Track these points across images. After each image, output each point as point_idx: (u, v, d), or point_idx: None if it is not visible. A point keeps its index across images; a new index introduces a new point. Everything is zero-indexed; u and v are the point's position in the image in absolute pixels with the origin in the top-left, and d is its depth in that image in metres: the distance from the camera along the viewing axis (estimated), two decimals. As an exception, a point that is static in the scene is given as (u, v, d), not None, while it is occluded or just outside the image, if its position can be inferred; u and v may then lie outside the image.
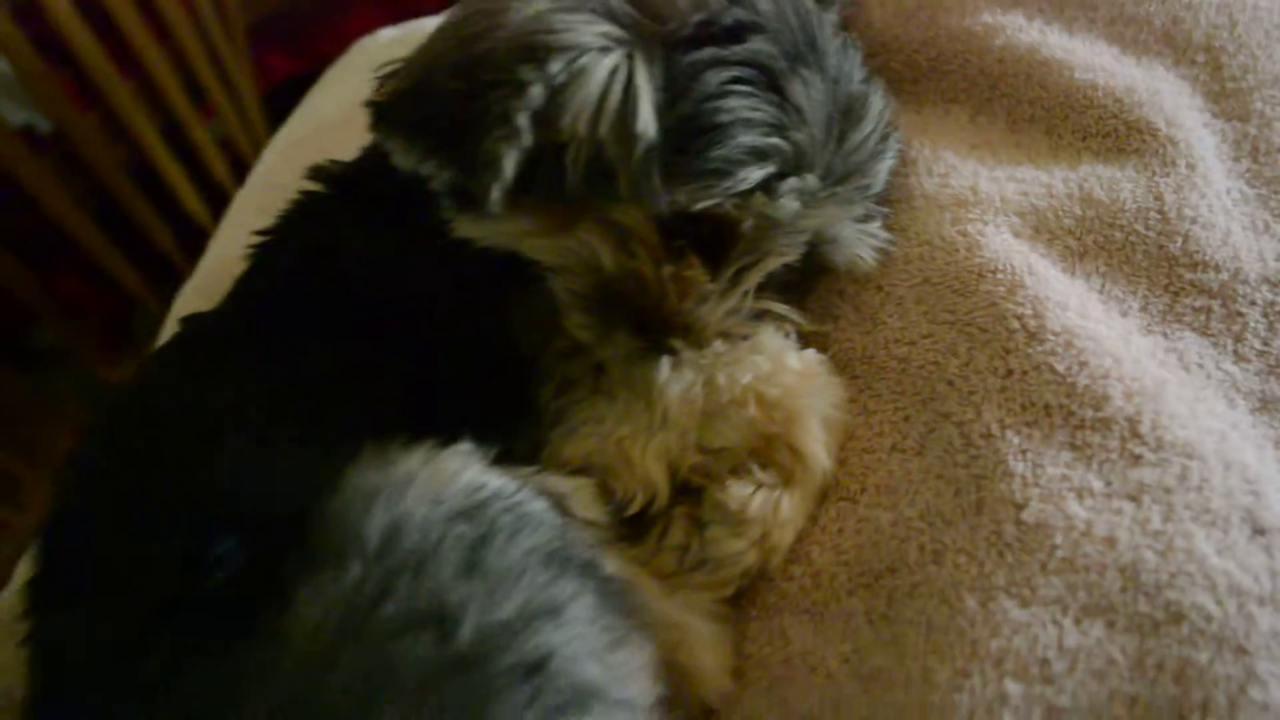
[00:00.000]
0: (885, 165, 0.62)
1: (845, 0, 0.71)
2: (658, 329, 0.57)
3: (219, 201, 1.73)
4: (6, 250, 1.45)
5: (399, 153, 0.53)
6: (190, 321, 0.63)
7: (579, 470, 0.57)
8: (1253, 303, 0.60)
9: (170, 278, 1.77)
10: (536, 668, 0.43)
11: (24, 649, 0.51)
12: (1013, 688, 0.47)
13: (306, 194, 0.67)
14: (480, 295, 0.59)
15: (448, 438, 0.52)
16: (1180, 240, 0.61)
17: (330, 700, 0.41)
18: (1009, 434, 0.54)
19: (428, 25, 0.97)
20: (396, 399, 0.56)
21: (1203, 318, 0.60)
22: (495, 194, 0.49)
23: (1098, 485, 0.52)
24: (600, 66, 0.50)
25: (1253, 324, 0.60)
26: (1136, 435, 0.53)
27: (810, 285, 0.64)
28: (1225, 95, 0.69)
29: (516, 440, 0.56)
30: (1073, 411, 0.54)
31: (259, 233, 0.67)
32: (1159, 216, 0.62)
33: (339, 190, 0.66)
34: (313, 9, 2.18)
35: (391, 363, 0.57)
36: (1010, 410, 0.54)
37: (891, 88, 0.71)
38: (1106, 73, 0.67)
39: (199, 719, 0.42)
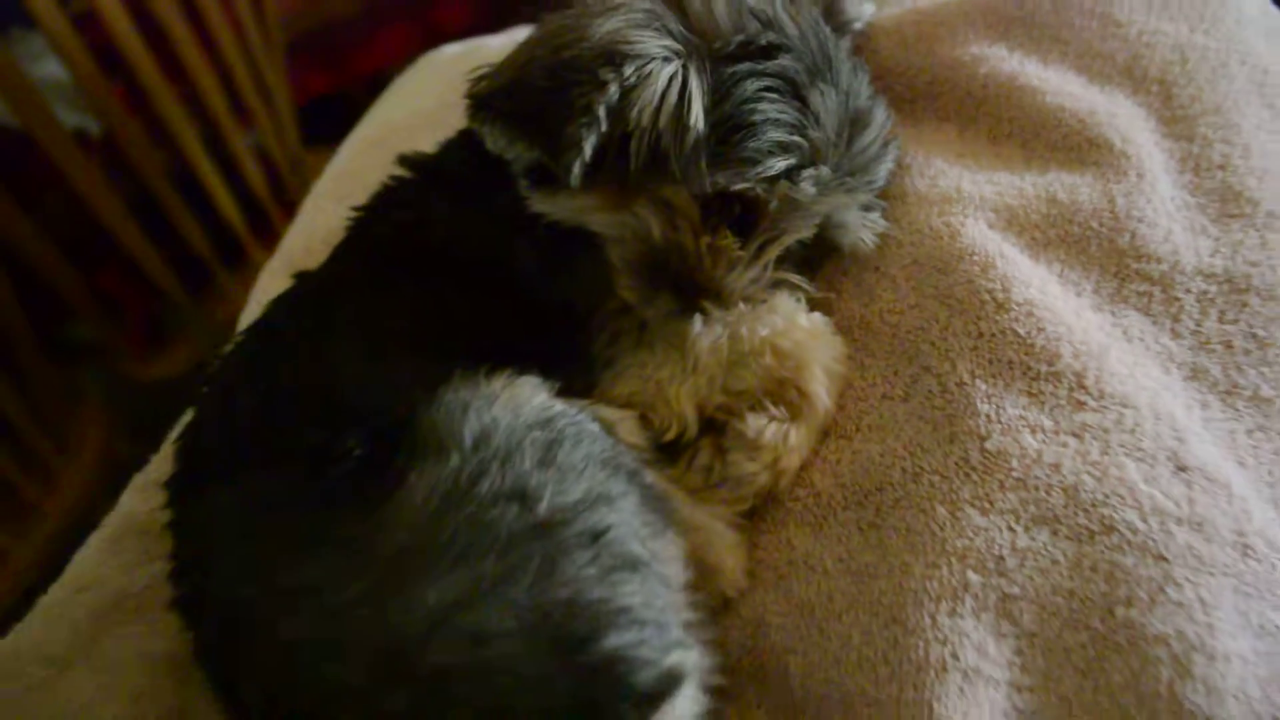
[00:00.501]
0: (886, 166, 0.74)
1: (856, 30, 0.84)
2: (693, 292, 0.69)
3: (253, 208, 1.80)
4: (53, 246, 1.53)
5: (493, 137, 0.66)
6: (301, 277, 0.75)
7: (624, 406, 0.69)
8: (1188, 290, 0.72)
9: (203, 279, 1.86)
10: (598, 536, 0.55)
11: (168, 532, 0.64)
12: (973, 577, 0.59)
13: (396, 178, 0.79)
14: (548, 260, 0.71)
15: (520, 371, 0.64)
16: (1128, 236, 0.73)
17: (437, 550, 0.53)
18: (978, 382, 0.66)
19: (490, 43, 1.10)
20: (478, 338, 0.68)
21: (1145, 300, 0.72)
22: (576, 170, 0.62)
23: (1048, 424, 0.63)
24: (663, 72, 0.63)
25: (1188, 307, 0.72)
26: (1082, 386, 0.65)
27: (820, 262, 0.77)
28: (1175, 120, 0.81)
29: (574, 379, 0.68)
30: (1030, 366, 0.66)
31: (356, 209, 0.79)
32: (1111, 216, 0.74)
33: (425, 174, 0.78)
34: (346, 30, 2.30)
35: (473, 310, 0.69)
36: (980, 364, 0.66)
37: (893, 105, 0.84)
38: (1073, 98, 0.79)
39: (340, 556, 0.54)
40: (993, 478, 0.62)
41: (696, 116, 0.62)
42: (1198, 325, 0.72)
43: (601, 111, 0.61)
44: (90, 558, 0.77)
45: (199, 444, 0.66)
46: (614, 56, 0.62)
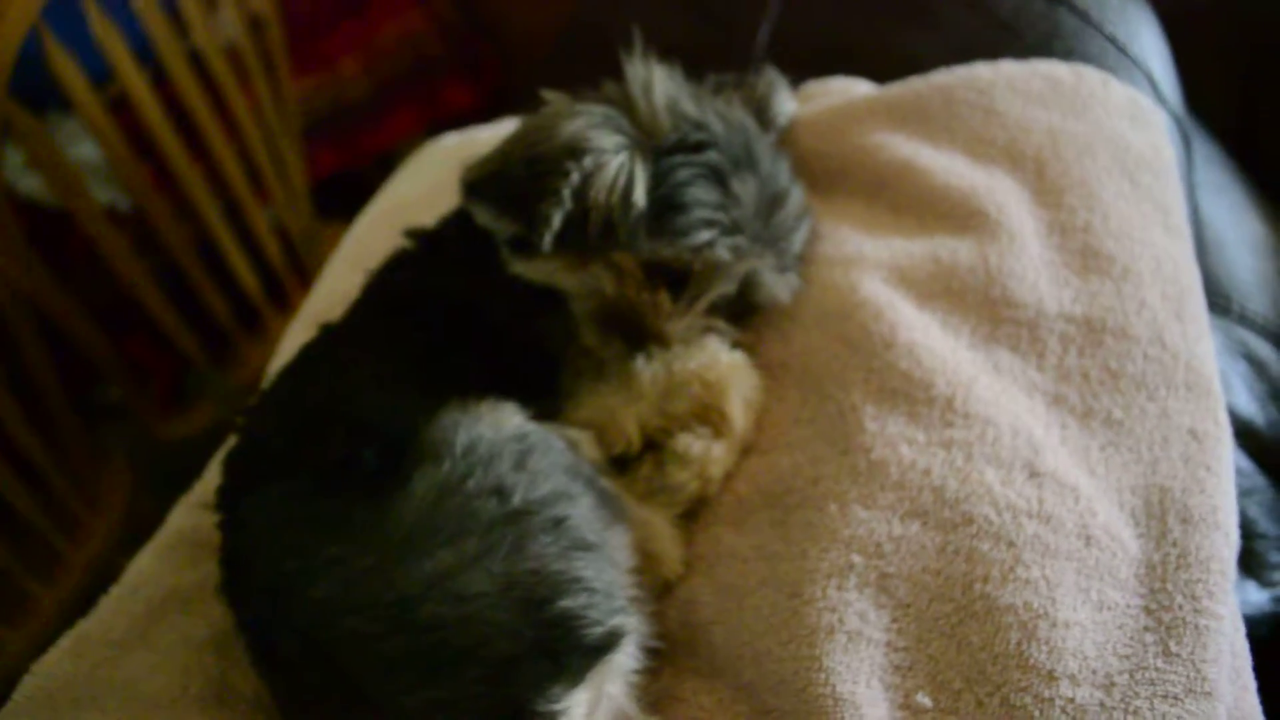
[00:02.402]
0: (800, 235, 0.91)
1: (781, 125, 1.02)
2: (640, 337, 0.85)
3: (270, 279, 1.89)
4: (84, 314, 1.65)
5: (483, 214, 0.83)
6: (324, 327, 0.91)
7: (584, 428, 0.84)
8: (1051, 331, 0.88)
9: (223, 345, 1.97)
10: (559, 523, 0.70)
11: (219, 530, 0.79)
12: (857, 559, 0.74)
13: (402, 248, 0.96)
14: (524, 312, 0.87)
15: (501, 399, 0.80)
16: (1000, 288, 0.90)
17: (432, 531, 0.68)
18: (868, 407, 0.81)
19: (481, 133, 1.28)
20: (468, 373, 0.84)
21: (1015, 340, 0.88)
22: (547, 239, 0.79)
23: (922, 438, 0.79)
24: (614, 162, 0.80)
25: (1051, 346, 0.88)
26: (951, 408, 0.81)
27: (750, 311, 0.93)
28: (1046, 192, 0.98)
29: (544, 407, 0.84)
30: (910, 393, 0.82)
31: (369, 273, 0.96)
32: (985, 272, 0.90)
33: (426, 244, 0.95)
34: (357, 112, 2.45)
35: (464, 352, 0.85)
36: (870, 393, 0.82)
37: (812, 183, 1.01)
38: (959, 176, 0.96)
39: (360, 535, 0.69)
40: (875, 481, 0.77)
41: (639, 197, 0.80)
42: (1060, 360, 0.87)
43: (567, 193, 0.78)
44: (145, 563, 0.92)
45: (243, 459, 0.81)
46: (576, 151, 0.79)
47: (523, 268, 0.85)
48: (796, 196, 0.90)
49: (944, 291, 0.90)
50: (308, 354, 0.88)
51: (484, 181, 0.84)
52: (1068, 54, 1.20)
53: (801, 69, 1.24)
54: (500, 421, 0.76)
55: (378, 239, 1.13)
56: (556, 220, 0.78)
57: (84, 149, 2.00)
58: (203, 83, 1.63)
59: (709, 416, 0.83)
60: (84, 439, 1.77)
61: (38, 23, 1.26)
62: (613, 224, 0.81)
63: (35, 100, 1.81)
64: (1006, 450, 0.79)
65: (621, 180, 0.80)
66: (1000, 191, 0.96)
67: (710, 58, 1.42)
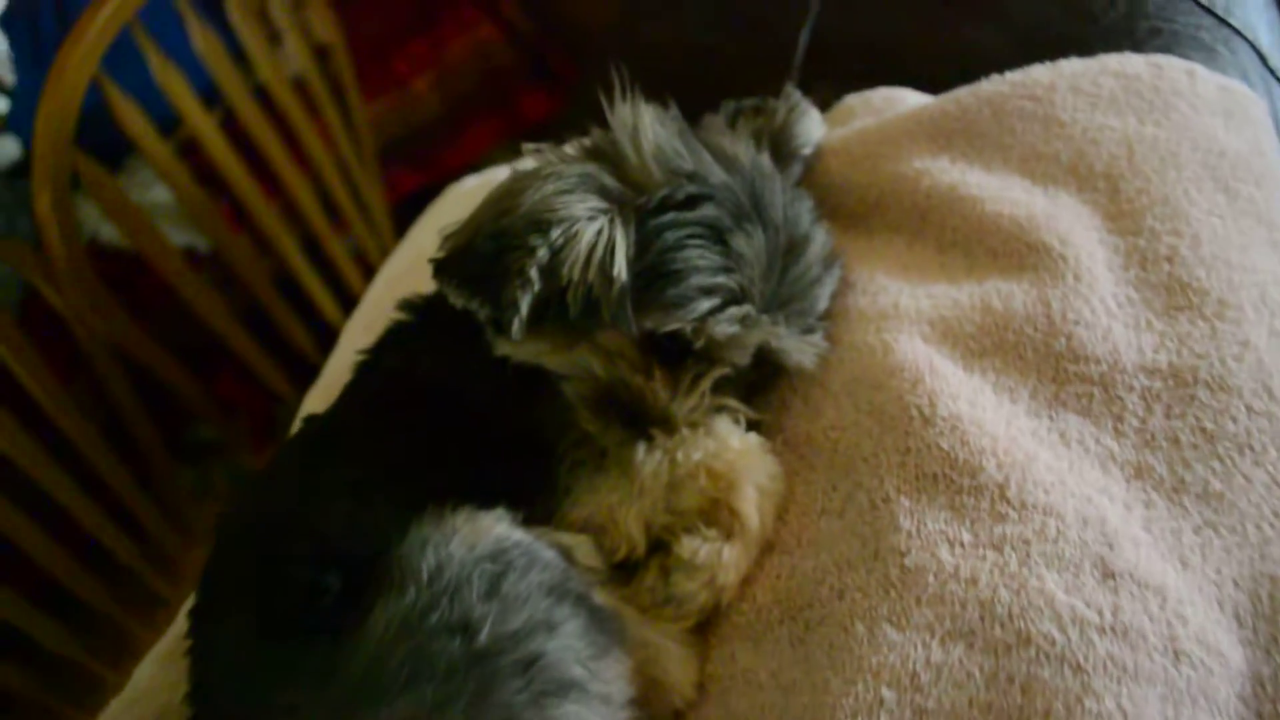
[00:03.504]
0: (825, 289, 0.79)
1: (806, 155, 0.90)
2: (641, 421, 0.75)
3: (352, 307, 1.97)
4: (172, 357, 1.68)
5: (452, 295, 0.74)
6: (309, 421, 0.85)
7: (582, 529, 0.75)
8: (1130, 388, 0.74)
9: (310, 376, 1.99)
10: (531, 663, 0.61)
11: (187, 658, 0.73)
12: (888, 694, 0.63)
13: (396, 322, 0.88)
14: (517, 399, 0.79)
15: (489, 503, 0.72)
16: (1064, 339, 0.76)
17: (389, 677, 0.60)
18: (902, 499, 0.69)
19: (500, 174, 1.20)
20: (454, 476, 0.76)
21: (1084, 402, 0.75)
22: (516, 327, 0.69)
23: (967, 538, 0.67)
24: (589, 230, 0.70)
25: (1131, 406, 0.74)
26: (1004, 498, 0.68)
27: (771, 381, 0.82)
28: (1121, 215, 0.83)
29: (538, 508, 0.75)
30: (953, 480, 0.69)
31: (361, 352, 0.89)
32: (1046, 320, 0.77)
33: (418, 318, 0.87)
34: (433, 130, 2.44)
35: (452, 449, 0.77)
36: (906, 479, 0.70)
37: (846, 220, 0.89)
38: (1012, 203, 0.83)
39: (315, 681, 0.62)
40: (910, 593, 0.65)
41: (620, 268, 0.69)
42: (1142, 423, 0.74)
43: (534, 273, 0.68)
44: (144, 674, 0.87)
45: (214, 576, 0.75)
46: (542, 223, 0.69)
47: (508, 349, 0.76)
48: (820, 243, 0.79)
49: (996, 347, 0.77)
50: (284, 455, 0.82)
51: (449, 260, 0.75)
52: (1154, 33, 1.04)
53: (845, 74, 1.11)
54: (476, 535, 0.68)
55: (394, 300, 1.06)
56: (524, 306, 0.69)
57: (159, 193, 2.03)
58: (271, 117, 1.64)
59: (719, 514, 0.72)
60: (176, 479, 1.80)
61: (98, 74, 1.26)
62: (594, 300, 0.71)
63: (113, 149, 1.86)
64: (1073, 547, 0.66)
65: (599, 251, 0.70)
66: (1064, 218, 0.82)
67: (750, 64, 1.31)
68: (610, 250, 0.70)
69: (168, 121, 1.55)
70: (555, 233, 0.69)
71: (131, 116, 1.38)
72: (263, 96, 1.66)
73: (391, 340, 0.87)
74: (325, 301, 1.83)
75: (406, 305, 0.88)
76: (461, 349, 0.80)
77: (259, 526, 0.75)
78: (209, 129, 1.52)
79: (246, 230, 1.75)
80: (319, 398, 1.14)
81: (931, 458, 0.70)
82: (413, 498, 0.72)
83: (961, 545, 0.67)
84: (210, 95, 1.60)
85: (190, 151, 1.69)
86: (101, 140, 1.41)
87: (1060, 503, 0.68)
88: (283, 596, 0.68)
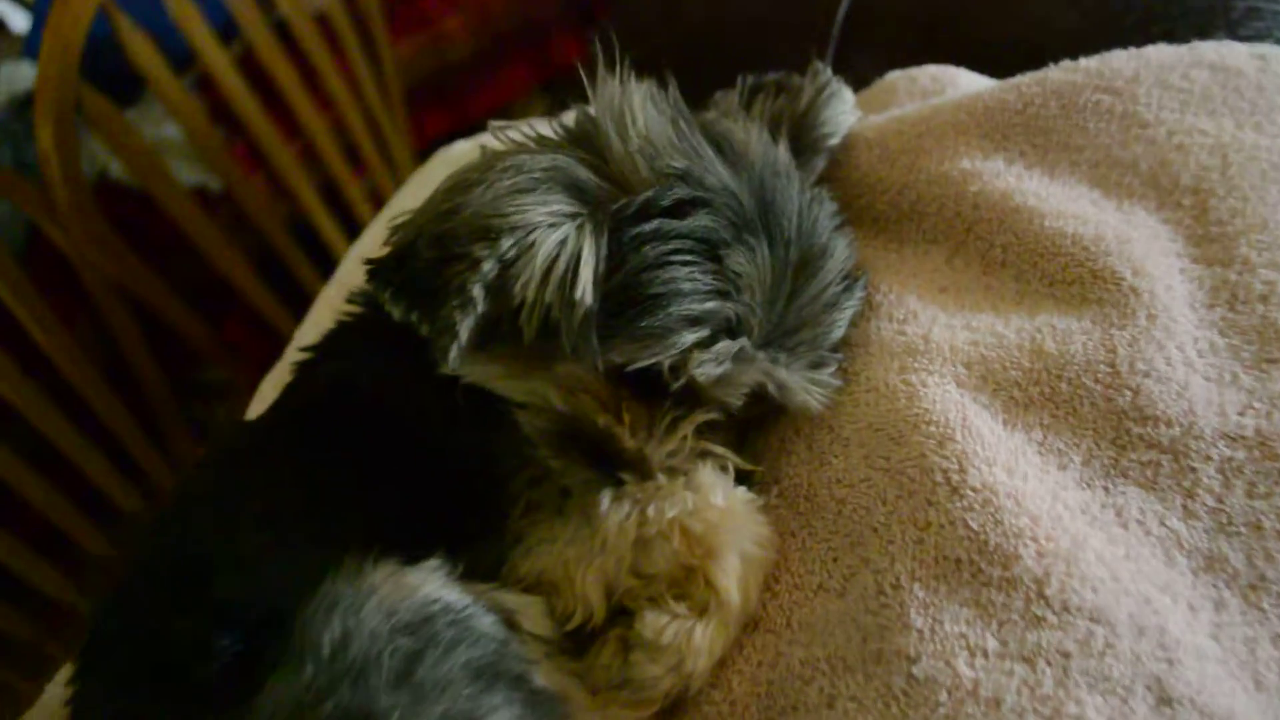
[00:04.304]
0: (844, 315, 0.66)
1: (832, 146, 0.76)
2: (610, 463, 0.63)
3: None
4: (180, 299, 1.62)
5: (388, 305, 0.62)
6: (231, 433, 0.73)
7: (534, 586, 0.63)
8: (1207, 458, 0.61)
9: None
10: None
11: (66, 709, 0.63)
12: (881, 841, 0.51)
13: (344, 318, 0.76)
14: (467, 423, 0.67)
15: (423, 551, 0.60)
16: (1130, 394, 0.62)
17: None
18: (915, 587, 0.57)
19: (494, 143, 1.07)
20: (391, 510, 0.64)
21: (1149, 473, 0.61)
22: (453, 354, 0.57)
23: (992, 645, 0.54)
24: (548, 241, 0.57)
25: (1205, 480, 0.61)
26: (1041, 597, 0.55)
27: (770, 419, 0.69)
28: (1209, 240, 0.69)
29: (484, 555, 0.63)
30: (980, 569, 0.56)
31: (303, 349, 0.77)
32: (1109, 369, 0.63)
33: (369, 313, 0.75)
34: (464, 73, 2.34)
35: (391, 479, 0.65)
36: (922, 562, 0.57)
37: (874, 226, 0.75)
38: (1077, 220, 0.69)
39: None
40: (916, 713, 0.53)
41: (584, 289, 0.57)
42: (1218, 502, 0.60)
43: (477, 291, 0.56)
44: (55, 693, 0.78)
45: (100, 629, 0.64)
46: (489, 230, 0.57)
47: (457, 368, 0.64)
48: (839, 257, 0.65)
49: (1047, 399, 0.63)
50: (201, 472, 0.71)
51: (386, 264, 0.62)
52: (1251, 14, 0.89)
53: (890, 46, 0.97)
54: (398, 598, 0.57)
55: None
56: (464, 330, 0.56)
57: (172, 129, 1.95)
58: (292, 54, 1.60)
59: (693, 585, 0.60)
60: (181, 423, 1.75)
61: (106, 2, 1.22)
62: (553, 326, 0.58)
63: (129, 82, 1.80)
64: (1123, 663, 0.53)
65: (560, 267, 0.57)
66: (1140, 241, 0.68)
67: (787, 35, 1.16)
68: (574, 266, 0.57)
69: (183, 56, 1.50)
70: (506, 243, 0.56)
71: (140, 48, 1.32)
72: (283, 32, 1.61)
73: (336, 340, 0.75)
74: (341, 247, 1.75)
75: (357, 298, 0.76)
76: (411, 359, 0.68)
77: (158, 564, 0.64)
78: (225, 65, 1.47)
79: (261, 171, 1.69)
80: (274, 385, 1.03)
81: (955, 538, 0.57)
82: (340, 535, 0.60)
83: (984, 655, 0.54)
84: (228, 30, 1.54)
85: (205, 87, 1.64)
86: (116, 73, 1.36)
87: (1111, 605, 0.55)
88: (167, 657, 0.57)
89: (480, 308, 0.56)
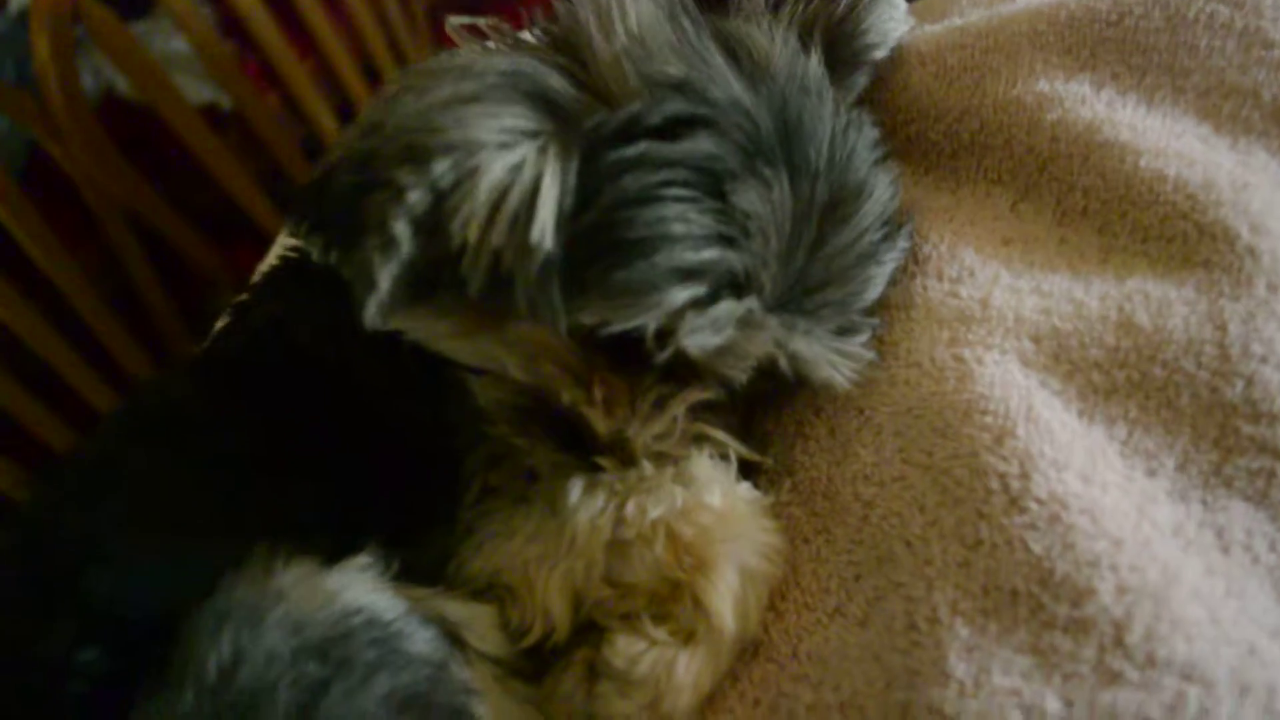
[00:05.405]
0: (882, 270, 0.53)
1: (877, 58, 0.62)
2: (584, 445, 0.51)
3: None
4: (189, 223, 1.54)
5: (306, 243, 0.50)
6: (143, 388, 0.62)
7: (486, 588, 0.52)
8: (1336, 469, 0.48)
9: None
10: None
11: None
12: None
13: (289, 252, 0.65)
14: (415, 388, 0.55)
15: (352, 544, 0.49)
16: (1241, 384, 0.49)
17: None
18: (958, 623, 0.45)
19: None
20: (315, 492, 0.53)
21: (1260, 483, 0.48)
22: (372, 306, 0.45)
23: (1054, 707, 0.42)
24: (497, 165, 0.44)
25: (1333, 496, 0.48)
26: (1121, 645, 0.43)
27: (783, 396, 0.57)
28: (1348, 191, 0.55)
29: (426, 551, 0.52)
30: (1043, 604, 0.44)
31: (241, 292, 0.66)
32: (1217, 352, 0.50)
33: (305, 259, 0.63)
34: None
35: (315, 457, 0.54)
36: (967, 592, 0.45)
37: (926, 162, 0.62)
38: (1182, 160, 0.55)
39: None
40: (953, 790, 0.41)
41: (543, 229, 0.44)
42: (1346, 523, 0.47)
43: (401, 229, 0.43)
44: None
45: None
46: (417, 150, 0.44)
47: (399, 321, 0.52)
48: (879, 197, 0.52)
49: (1135, 386, 0.50)
50: (90, 446, 0.60)
51: (305, 194, 0.50)
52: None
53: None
54: (310, 607, 0.46)
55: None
56: (385, 277, 0.44)
57: (180, 44, 1.87)
58: None
59: (678, 604, 0.48)
60: (189, 351, 1.71)
61: None
62: (503, 274, 0.45)
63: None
64: (1224, 735, 0.41)
65: (512, 201, 0.44)
66: (1260, 189, 0.54)
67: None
68: (531, 199, 0.44)
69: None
70: (439, 167, 0.43)
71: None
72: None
73: (275, 281, 0.64)
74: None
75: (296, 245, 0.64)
76: (349, 310, 0.57)
77: (25, 555, 0.53)
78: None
79: (274, 90, 1.60)
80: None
81: (1012, 563, 0.45)
82: (250, 523, 0.50)
83: (1044, 718, 0.42)
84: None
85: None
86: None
87: (1208, 657, 0.43)
88: (22, 677, 0.47)
89: (406, 250, 0.44)
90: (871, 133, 0.55)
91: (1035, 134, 0.59)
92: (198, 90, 1.82)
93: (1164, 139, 0.56)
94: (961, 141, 0.62)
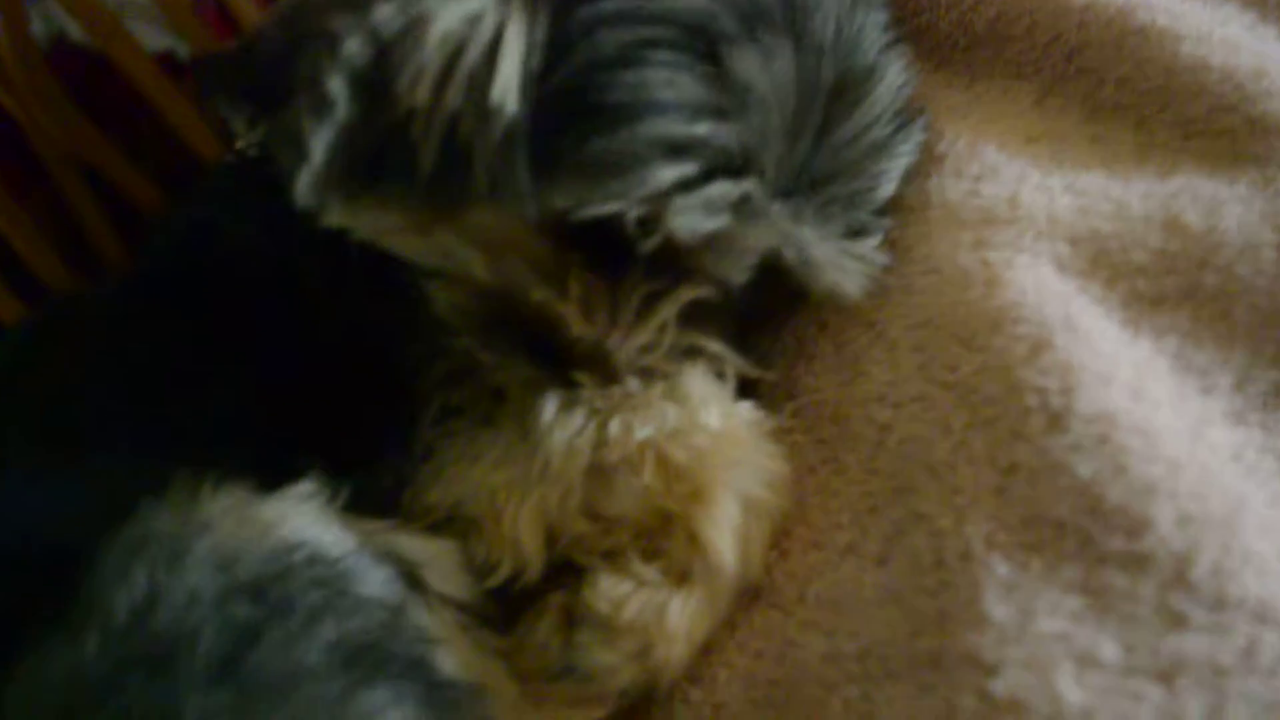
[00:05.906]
0: (895, 164, 0.47)
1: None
2: (560, 357, 0.44)
3: None
4: (144, 175, 1.46)
5: (226, 115, 0.42)
6: (56, 301, 0.55)
7: (445, 524, 0.45)
8: None
9: None
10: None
11: None
12: None
13: (228, 156, 0.57)
14: (364, 293, 0.48)
15: (292, 470, 0.42)
16: (1306, 295, 0.44)
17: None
18: (995, 559, 0.38)
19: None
20: (249, 409, 0.46)
21: (1325, 405, 0.43)
22: (304, 180, 0.37)
23: (1111, 654, 0.36)
24: (448, 12, 0.37)
25: (1405, 417, 0.42)
26: (1184, 583, 0.37)
27: (785, 310, 0.50)
28: None
29: (379, 478, 0.45)
30: (1093, 537, 0.38)
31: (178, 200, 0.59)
32: (1276, 256, 0.44)
33: (260, 151, 0.55)
34: None
35: (250, 371, 0.47)
36: (1004, 524, 0.39)
37: (939, 54, 0.56)
38: (1229, 47, 0.49)
39: None
40: (994, 752, 0.35)
41: (506, 90, 0.37)
42: None
43: (337, 86, 0.36)
44: None
45: None
46: None
47: (339, 216, 0.44)
48: (891, 83, 0.46)
49: (1185, 294, 0.45)
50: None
51: (224, 59, 0.42)
52: None
53: None
54: (241, 539, 0.39)
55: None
56: (318, 145, 0.37)
57: None
58: None
59: (671, 539, 0.42)
60: None
61: None
62: (461, 150, 0.38)
63: None
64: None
65: (471, 55, 0.37)
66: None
67: None
68: (491, 55, 0.37)
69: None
70: (382, 13, 0.36)
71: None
72: None
73: (208, 186, 0.57)
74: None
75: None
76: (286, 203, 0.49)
77: None
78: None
79: (233, 37, 1.51)
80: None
81: (1057, 490, 0.39)
82: (172, 443, 0.42)
83: (1100, 669, 0.36)
84: None
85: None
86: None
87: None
88: None
89: (344, 111, 0.36)
90: (882, 14, 0.48)
91: (1061, 21, 0.53)
92: (154, 37, 1.73)
93: (1207, 25, 0.50)
94: (978, 32, 0.55)
